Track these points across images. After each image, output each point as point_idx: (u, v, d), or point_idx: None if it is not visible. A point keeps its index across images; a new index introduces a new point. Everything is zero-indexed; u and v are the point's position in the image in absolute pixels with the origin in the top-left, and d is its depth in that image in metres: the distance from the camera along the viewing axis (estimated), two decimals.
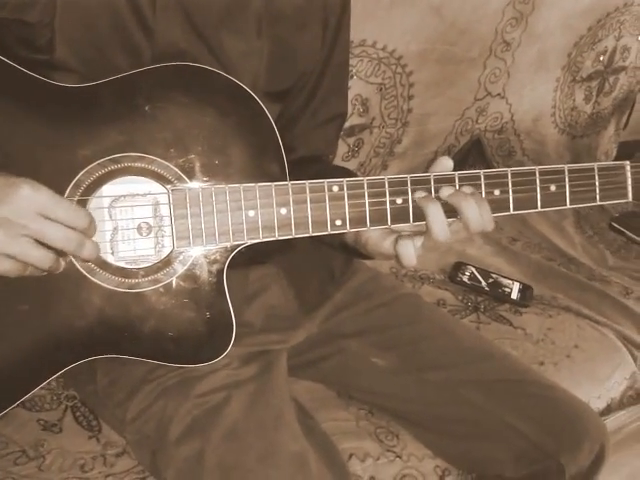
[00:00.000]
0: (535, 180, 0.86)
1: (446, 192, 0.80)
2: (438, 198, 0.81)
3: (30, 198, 0.67)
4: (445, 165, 0.82)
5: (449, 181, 0.84)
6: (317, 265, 1.08)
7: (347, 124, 1.45)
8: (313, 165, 1.04)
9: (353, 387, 1.09)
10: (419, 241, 0.82)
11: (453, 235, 0.80)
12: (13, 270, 0.70)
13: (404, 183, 0.83)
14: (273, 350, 0.97)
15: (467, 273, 1.43)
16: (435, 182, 0.83)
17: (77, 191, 0.77)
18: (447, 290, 1.40)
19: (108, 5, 0.81)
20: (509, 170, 0.86)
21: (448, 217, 0.80)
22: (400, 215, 0.83)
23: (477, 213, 0.79)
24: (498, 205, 0.85)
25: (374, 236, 0.86)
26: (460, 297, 1.40)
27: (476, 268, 1.45)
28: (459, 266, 1.45)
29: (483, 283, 1.42)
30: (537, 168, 0.87)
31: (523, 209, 0.87)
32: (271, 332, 0.99)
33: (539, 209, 0.88)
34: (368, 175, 1.56)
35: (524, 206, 0.87)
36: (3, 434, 0.92)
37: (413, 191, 0.82)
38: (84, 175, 0.77)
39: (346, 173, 1.04)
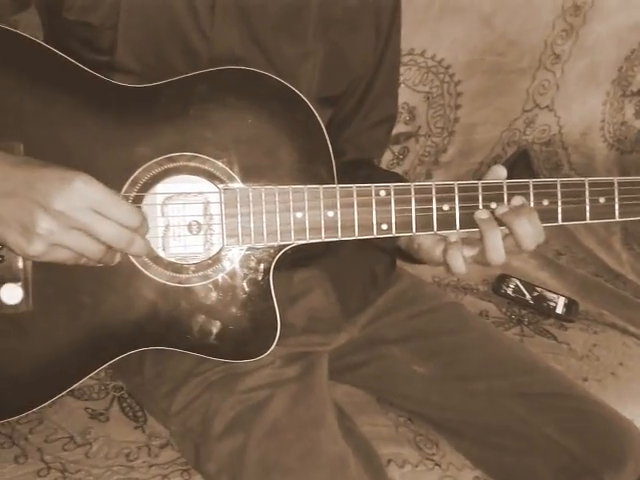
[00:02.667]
0: (584, 192, 0.86)
1: (500, 210, 0.81)
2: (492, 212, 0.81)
3: (83, 193, 0.68)
4: (498, 173, 0.83)
5: (497, 189, 0.84)
6: (360, 270, 1.09)
7: (393, 132, 1.46)
8: (362, 170, 1.05)
9: (393, 393, 1.09)
10: (469, 252, 0.82)
11: (507, 255, 0.81)
12: (68, 259, 0.72)
13: (451, 190, 0.83)
14: (315, 352, 0.98)
15: (511, 286, 1.42)
16: (483, 190, 0.84)
17: (134, 188, 0.79)
18: (490, 302, 1.40)
19: (169, 9, 0.84)
20: (558, 180, 0.85)
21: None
22: (446, 222, 0.83)
23: (530, 230, 0.79)
24: (546, 215, 0.85)
25: (426, 243, 0.87)
26: (504, 309, 1.39)
27: (521, 281, 1.44)
28: (503, 278, 1.44)
29: (528, 296, 1.41)
30: (586, 180, 0.86)
31: (571, 220, 0.87)
32: (313, 334, 1.00)
33: (587, 221, 0.87)
34: None
35: (572, 217, 0.86)
36: (52, 420, 0.94)
37: (472, 207, 0.82)
38: (141, 172, 0.79)
39: (396, 178, 1.05)
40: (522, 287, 1.42)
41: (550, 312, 1.39)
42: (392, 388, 1.08)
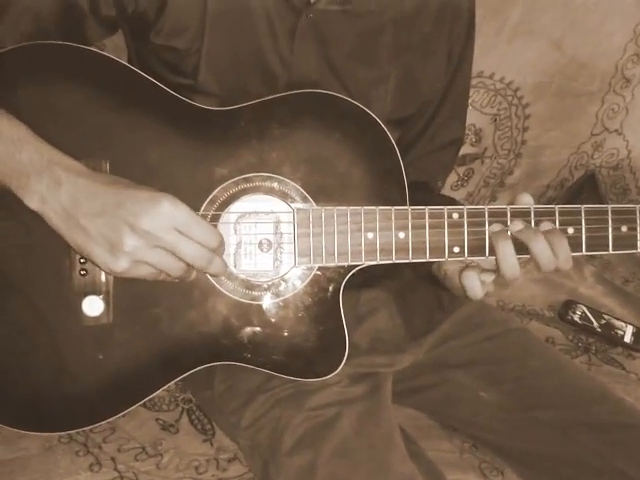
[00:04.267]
0: None
1: (515, 227, 0.80)
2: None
3: (169, 213, 0.71)
4: (524, 202, 0.82)
5: (575, 214, 0.82)
6: (425, 292, 1.08)
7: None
8: (418, 192, 1.05)
9: (457, 419, 1.08)
10: (488, 277, 0.82)
11: (525, 274, 0.79)
12: (148, 275, 0.75)
13: (527, 214, 0.82)
14: (380, 373, 0.98)
15: (578, 312, 1.39)
16: (560, 214, 0.82)
17: (212, 206, 0.82)
18: (557, 328, 1.36)
19: (251, 35, 0.86)
20: (638, 207, 0.84)
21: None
22: (522, 245, 0.82)
23: (547, 251, 0.78)
24: (626, 242, 0.83)
25: (451, 269, 0.87)
26: (570, 337, 1.35)
27: (588, 308, 1.40)
28: (570, 304, 1.41)
29: (595, 324, 1.37)
30: None
31: None
32: (377, 355, 1.00)
33: None
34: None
35: None
36: (125, 430, 0.96)
37: (490, 223, 0.82)
38: (219, 192, 0.82)
39: (451, 203, 1.05)
40: (589, 314, 1.38)
41: (618, 341, 1.35)
42: (456, 413, 1.07)
